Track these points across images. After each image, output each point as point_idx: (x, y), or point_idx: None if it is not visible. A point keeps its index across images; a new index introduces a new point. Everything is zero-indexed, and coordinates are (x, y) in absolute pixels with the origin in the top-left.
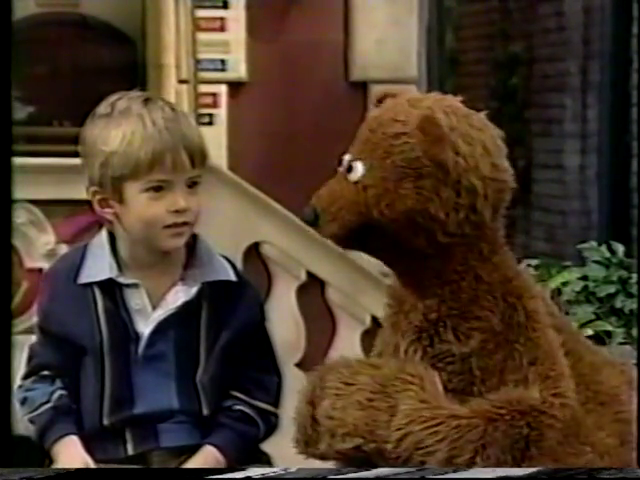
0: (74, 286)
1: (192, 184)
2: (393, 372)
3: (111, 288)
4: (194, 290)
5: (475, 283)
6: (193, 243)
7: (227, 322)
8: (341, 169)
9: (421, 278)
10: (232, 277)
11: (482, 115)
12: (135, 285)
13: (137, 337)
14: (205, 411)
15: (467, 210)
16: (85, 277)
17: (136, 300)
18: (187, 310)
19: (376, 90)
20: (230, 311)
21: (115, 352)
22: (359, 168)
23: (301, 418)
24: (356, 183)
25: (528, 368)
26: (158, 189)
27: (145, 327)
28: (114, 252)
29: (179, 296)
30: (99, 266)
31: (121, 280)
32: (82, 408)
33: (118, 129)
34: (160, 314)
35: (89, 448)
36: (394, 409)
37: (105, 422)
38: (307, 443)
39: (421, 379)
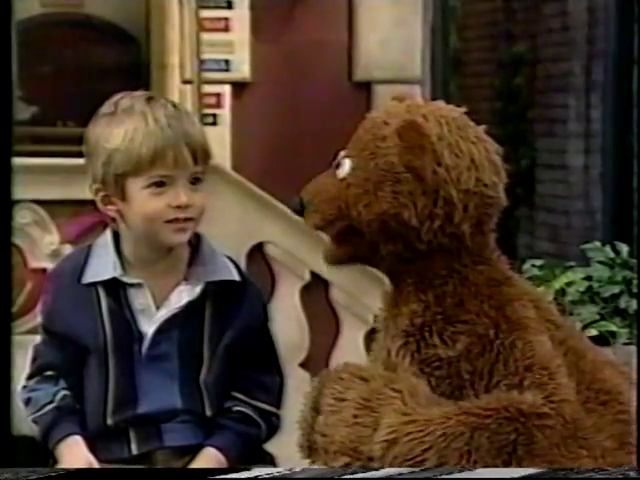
0: (78, 286)
1: (195, 180)
2: (379, 385)
3: (115, 288)
4: (198, 290)
5: (460, 287)
6: (197, 243)
7: (230, 322)
8: (334, 164)
9: (405, 282)
10: (236, 277)
11: (480, 129)
12: (139, 285)
13: (141, 337)
14: (208, 411)
15: (443, 220)
16: (89, 277)
17: (140, 300)
18: (191, 310)
19: (380, 90)
20: (234, 311)
21: (119, 352)
22: (347, 165)
23: (305, 424)
24: (342, 180)
25: (523, 374)
26: (160, 185)
27: (149, 327)
28: (118, 251)
29: (183, 296)
30: (103, 265)
31: (125, 280)
32: (86, 408)
33: (120, 127)
34: (164, 314)
35: (93, 448)
36: (377, 423)
37: (109, 422)
38: (311, 449)
39: (404, 390)
